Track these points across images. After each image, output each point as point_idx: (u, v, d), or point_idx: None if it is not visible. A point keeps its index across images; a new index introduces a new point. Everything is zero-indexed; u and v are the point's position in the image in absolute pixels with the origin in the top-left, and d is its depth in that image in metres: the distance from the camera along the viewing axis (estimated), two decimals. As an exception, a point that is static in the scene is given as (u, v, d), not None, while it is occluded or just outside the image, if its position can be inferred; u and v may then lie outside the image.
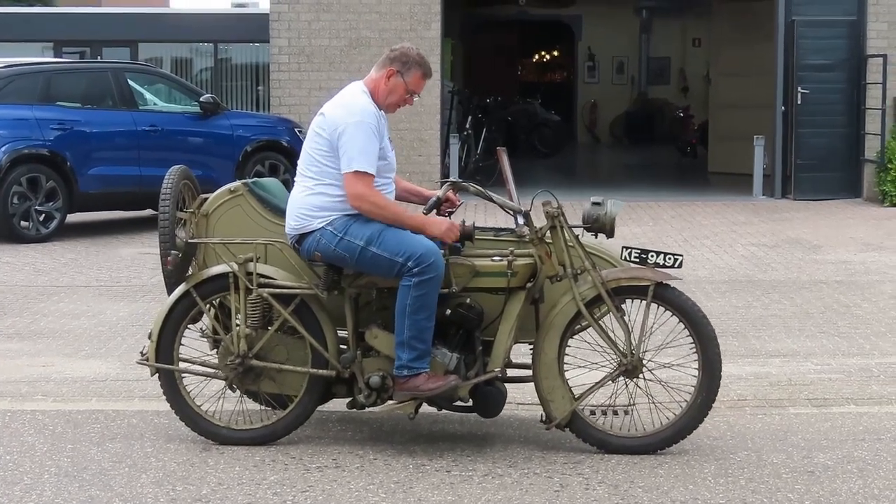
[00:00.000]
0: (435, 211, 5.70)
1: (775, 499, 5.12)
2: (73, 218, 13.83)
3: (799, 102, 17.04)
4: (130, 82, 14.38)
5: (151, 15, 24.42)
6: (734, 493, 5.19)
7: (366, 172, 5.54)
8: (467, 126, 19.95)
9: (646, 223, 14.23)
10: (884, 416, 6.41)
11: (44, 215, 13.08)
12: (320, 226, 5.62)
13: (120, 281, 10.62)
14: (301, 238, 5.68)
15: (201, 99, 14.68)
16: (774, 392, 6.92)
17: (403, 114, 15.33)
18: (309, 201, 5.65)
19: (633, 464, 5.55)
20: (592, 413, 5.81)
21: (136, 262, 11.64)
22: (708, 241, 12.97)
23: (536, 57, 35.22)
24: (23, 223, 12.95)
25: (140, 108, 14.35)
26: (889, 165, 16.16)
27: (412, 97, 5.83)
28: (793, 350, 7.97)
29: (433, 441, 5.93)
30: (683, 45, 30.20)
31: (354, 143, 5.55)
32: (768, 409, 6.59)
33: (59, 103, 13.61)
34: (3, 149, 12.80)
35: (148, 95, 15.05)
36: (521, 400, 6.40)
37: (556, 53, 34.69)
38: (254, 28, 20.98)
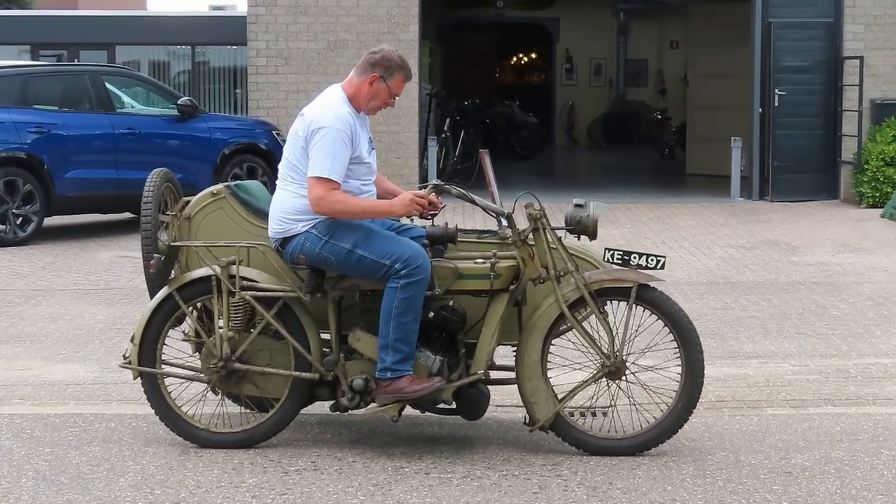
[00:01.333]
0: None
1: (753, 500, 5.15)
2: (50, 221, 13.78)
3: (776, 104, 17.12)
4: (108, 85, 14.34)
5: (129, 18, 24.33)
6: (712, 494, 5.22)
7: (329, 179, 5.54)
8: (445, 128, 19.95)
9: (624, 225, 14.28)
10: (861, 417, 6.45)
11: (21, 219, 13.02)
12: (304, 229, 5.63)
13: (98, 284, 10.59)
14: (285, 241, 5.69)
15: (179, 102, 14.65)
16: (752, 393, 6.96)
17: (381, 116, 15.32)
18: (292, 205, 5.66)
19: (612, 465, 5.58)
20: (572, 414, 5.84)
21: (114, 265, 11.60)
22: (686, 242, 13.02)
23: (514, 59, 35.27)
24: (0, 226, 12.91)
25: (117, 111, 14.30)
26: (866, 167, 16.24)
27: (394, 100, 5.84)
28: (770, 351, 8.02)
29: (412, 443, 5.95)
30: (661, 48, 30.28)
31: (322, 150, 5.55)
32: (746, 410, 6.62)
33: (35, 106, 13.57)
34: (-21, 152, 12.79)
35: (125, 98, 15.01)
36: (499, 402, 6.42)
37: (533, 56, 34.74)
38: (231, 31, 20.93)
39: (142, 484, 5.34)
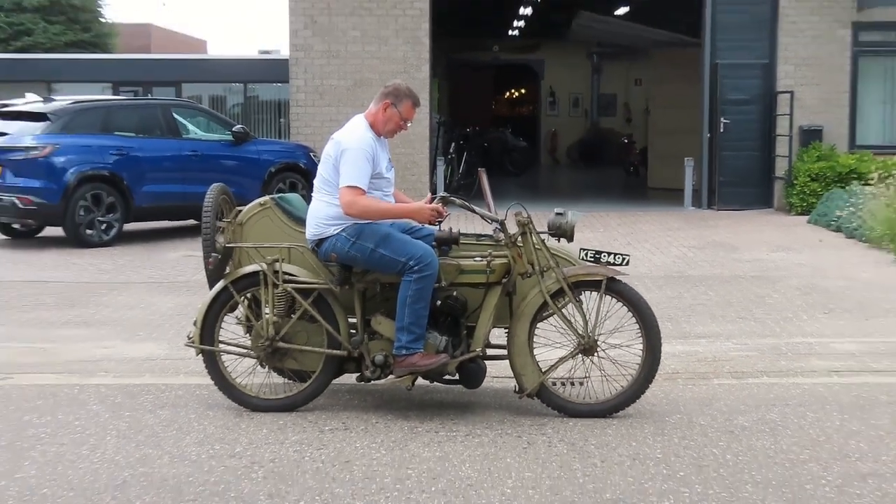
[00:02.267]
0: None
1: (702, 454, 5.15)
2: (129, 227, 13.82)
3: (722, 130, 17.12)
4: (175, 115, 14.37)
5: (193, 60, 24.42)
6: (669, 448, 5.22)
7: (356, 187, 5.56)
8: (451, 151, 19.96)
9: (597, 229, 14.27)
10: (790, 386, 6.45)
11: (105, 225, 13.08)
12: (336, 232, 5.64)
13: (168, 278, 10.61)
14: (319, 242, 5.70)
15: (234, 129, 14.67)
16: (701, 367, 6.96)
17: (399, 141, 15.36)
18: (326, 212, 5.67)
19: (587, 425, 5.58)
20: (554, 384, 5.84)
21: (181, 263, 11.63)
22: (647, 243, 13.01)
23: (507, 94, 35.29)
24: (88, 231, 12.95)
25: (183, 136, 14.32)
26: (795, 182, 16.26)
27: (406, 124, 5.84)
28: (716, 332, 8.01)
29: (424, 408, 5.95)
30: (627, 84, 30.29)
31: (350, 165, 5.56)
32: (696, 380, 6.62)
33: (116, 133, 13.60)
34: (71, 170, 12.81)
35: (190, 126, 15.05)
36: (495, 374, 6.41)
37: (523, 91, 34.76)
38: (276, 71, 20.98)
39: (204, 441, 5.35)
